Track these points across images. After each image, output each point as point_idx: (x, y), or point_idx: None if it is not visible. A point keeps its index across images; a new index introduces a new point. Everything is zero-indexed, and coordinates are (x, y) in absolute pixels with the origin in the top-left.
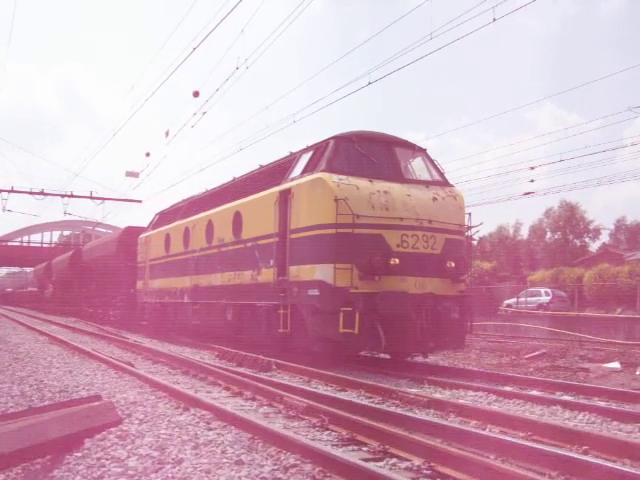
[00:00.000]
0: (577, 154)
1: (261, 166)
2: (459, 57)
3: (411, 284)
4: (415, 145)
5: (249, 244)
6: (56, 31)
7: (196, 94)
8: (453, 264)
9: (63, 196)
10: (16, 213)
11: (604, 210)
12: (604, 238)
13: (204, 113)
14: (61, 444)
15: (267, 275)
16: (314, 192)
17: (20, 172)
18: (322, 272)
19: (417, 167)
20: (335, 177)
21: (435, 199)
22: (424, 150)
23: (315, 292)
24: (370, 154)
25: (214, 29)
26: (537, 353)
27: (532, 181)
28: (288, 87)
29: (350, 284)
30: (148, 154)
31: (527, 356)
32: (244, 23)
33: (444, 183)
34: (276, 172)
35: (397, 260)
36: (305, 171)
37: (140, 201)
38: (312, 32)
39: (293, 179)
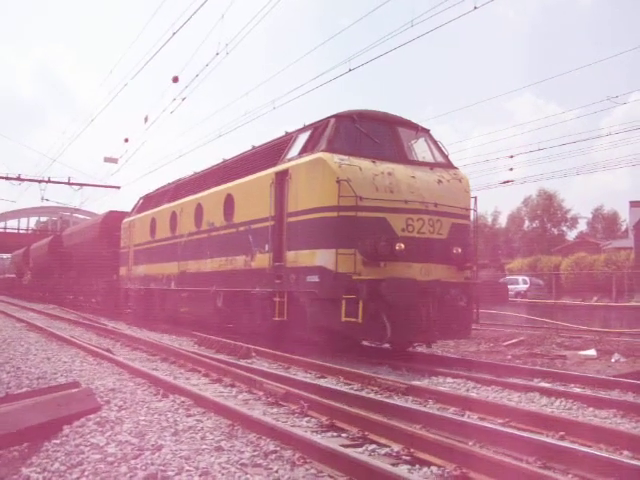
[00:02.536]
0: (555, 143)
1: (254, 147)
2: (440, 45)
3: (417, 270)
4: (418, 125)
5: (242, 228)
6: (35, 13)
7: (175, 79)
8: (460, 250)
9: (40, 182)
10: None
11: (582, 199)
12: (581, 227)
13: (183, 99)
14: (39, 431)
15: (262, 261)
16: (314, 173)
17: None
18: (323, 257)
19: (420, 148)
20: (336, 157)
21: (440, 182)
22: (427, 130)
23: (315, 279)
24: (372, 134)
25: (194, 14)
26: (515, 340)
27: (511, 169)
28: (268, 73)
29: (353, 270)
30: (127, 140)
31: (505, 343)
32: (224, 8)
33: (448, 165)
34: (271, 153)
35: (402, 245)
36: (304, 151)
37: (118, 187)
38: (293, 18)
39: (290, 159)
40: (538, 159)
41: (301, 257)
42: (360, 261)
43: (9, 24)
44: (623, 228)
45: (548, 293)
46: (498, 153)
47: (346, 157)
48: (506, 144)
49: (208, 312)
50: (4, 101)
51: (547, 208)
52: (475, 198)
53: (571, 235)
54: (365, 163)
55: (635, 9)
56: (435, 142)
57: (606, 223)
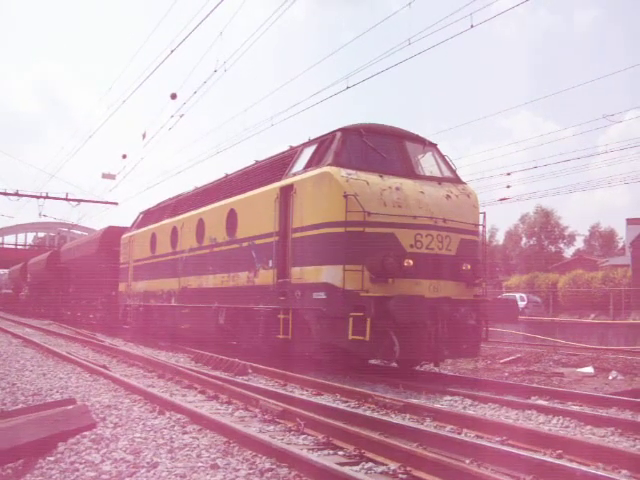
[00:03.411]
0: (552, 161)
1: (257, 161)
2: (437, 63)
3: (425, 287)
4: (426, 139)
5: (245, 244)
6: (34, 30)
7: (174, 96)
8: (469, 266)
9: (38, 197)
10: None
11: (579, 216)
12: (578, 244)
13: (181, 115)
14: (34, 448)
15: (265, 277)
16: (320, 188)
17: None
18: (329, 274)
19: (428, 163)
20: (343, 171)
21: (449, 197)
22: (435, 145)
23: (321, 295)
24: (380, 148)
25: (193, 31)
26: (512, 358)
27: (508, 187)
28: (266, 90)
29: (360, 287)
30: (125, 156)
31: (502, 361)
32: (223, 26)
33: (456, 180)
34: (275, 167)
35: (411, 261)
36: (309, 165)
37: (116, 203)
38: (292, 35)
39: (295, 174)
40: (539, 175)
41: (307, 273)
42: (368, 277)
43: (9, 40)
44: (620, 245)
45: (546, 310)
46: (495, 170)
47: (353, 171)
48: (503, 161)
49: (210, 329)
50: (2, 116)
51: (544, 225)
52: (484, 214)
53: (568, 252)
54: (373, 177)
55: (632, 28)
56: (443, 156)
57: (603, 240)
